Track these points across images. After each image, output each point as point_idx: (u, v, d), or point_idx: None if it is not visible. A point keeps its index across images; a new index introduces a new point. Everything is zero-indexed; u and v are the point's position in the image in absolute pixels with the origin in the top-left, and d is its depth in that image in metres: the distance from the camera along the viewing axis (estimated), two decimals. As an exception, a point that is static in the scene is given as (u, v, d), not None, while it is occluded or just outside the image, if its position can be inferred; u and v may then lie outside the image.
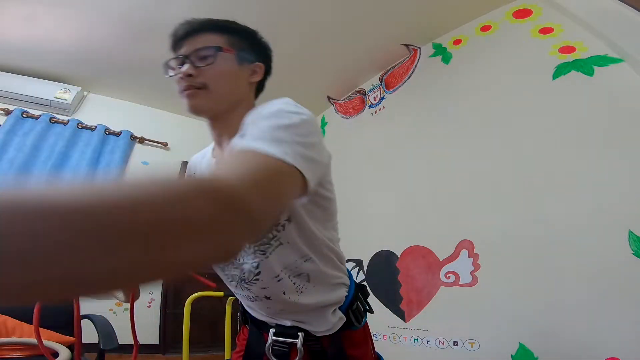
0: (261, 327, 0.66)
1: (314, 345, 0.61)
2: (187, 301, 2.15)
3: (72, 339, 1.32)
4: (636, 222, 1.23)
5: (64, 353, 1.05)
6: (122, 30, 2.26)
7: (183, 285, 2.89)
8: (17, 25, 2.20)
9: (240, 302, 0.71)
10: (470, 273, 1.67)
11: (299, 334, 0.59)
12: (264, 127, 0.42)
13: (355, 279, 0.71)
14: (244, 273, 0.59)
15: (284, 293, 0.58)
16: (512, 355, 1.43)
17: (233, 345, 2.71)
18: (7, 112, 2.54)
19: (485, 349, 1.53)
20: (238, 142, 0.40)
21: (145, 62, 2.60)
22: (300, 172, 0.39)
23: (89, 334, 1.34)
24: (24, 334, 1.21)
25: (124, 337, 2.57)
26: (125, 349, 2.50)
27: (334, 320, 0.61)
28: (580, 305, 1.29)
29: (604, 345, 1.19)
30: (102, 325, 1.26)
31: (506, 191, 1.65)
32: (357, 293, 0.67)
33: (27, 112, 2.60)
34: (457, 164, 1.88)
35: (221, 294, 2.35)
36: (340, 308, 0.63)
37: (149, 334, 2.64)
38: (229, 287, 0.66)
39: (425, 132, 2.14)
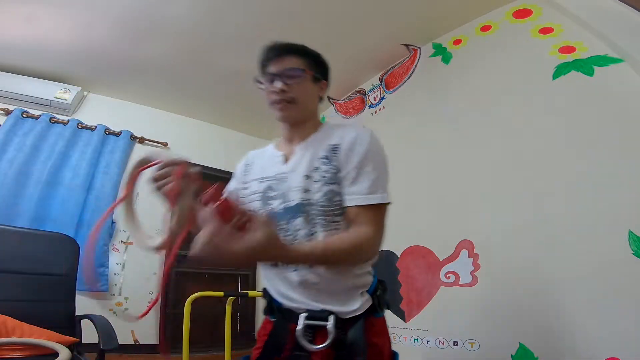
0: (288, 317, 0.70)
1: (338, 332, 0.65)
2: (187, 301, 2.14)
3: (72, 339, 1.32)
4: (636, 222, 1.23)
5: (64, 353, 1.05)
6: (122, 30, 2.26)
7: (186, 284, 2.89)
8: (17, 25, 2.20)
9: (269, 291, 0.76)
10: (470, 273, 1.67)
11: (330, 317, 0.65)
12: (366, 180, 0.69)
13: None
14: (295, 239, 0.70)
15: None
16: (512, 355, 1.43)
17: (233, 345, 2.70)
18: (7, 112, 2.54)
19: (485, 349, 1.53)
20: (355, 186, 0.69)
21: (145, 62, 2.60)
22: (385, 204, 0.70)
23: (89, 334, 1.34)
24: (24, 334, 1.20)
25: (124, 337, 2.58)
26: (126, 348, 2.50)
27: (362, 300, 0.69)
28: (580, 305, 1.29)
29: (604, 345, 1.20)
30: (102, 325, 1.26)
31: (506, 191, 1.65)
32: (379, 284, 0.77)
33: (27, 112, 2.60)
34: (457, 163, 1.88)
35: (221, 294, 2.35)
36: (367, 291, 0.72)
37: (149, 334, 2.64)
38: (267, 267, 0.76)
39: (425, 132, 2.14)
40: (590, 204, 1.36)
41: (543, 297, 1.40)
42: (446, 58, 2.19)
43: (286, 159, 0.78)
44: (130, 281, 2.66)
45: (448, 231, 1.82)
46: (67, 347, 1.15)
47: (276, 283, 0.74)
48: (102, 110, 2.97)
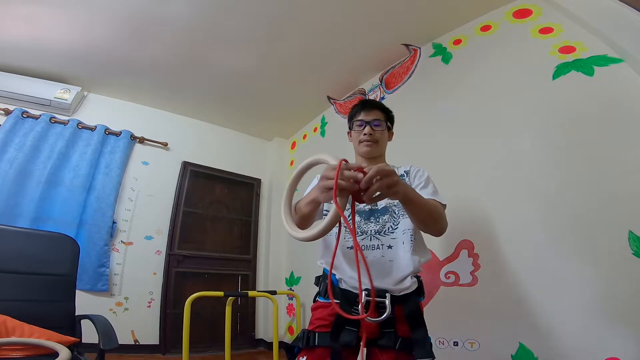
0: (349, 297, 0.86)
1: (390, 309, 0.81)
2: (187, 301, 2.15)
3: (72, 339, 1.32)
4: (636, 222, 1.23)
5: (64, 353, 1.05)
6: (122, 30, 2.26)
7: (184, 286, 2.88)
8: (17, 25, 2.21)
9: (333, 276, 0.91)
10: (470, 273, 1.67)
11: (387, 294, 0.81)
12: (430, 187, 0.97)
13: None
14: (384, 226, 0.93)
15: (403, 243, 0.90)
16: (512, 355, 1.43)
17: (233, 345, 2.69)
18: (7, 112, 2.54)
19: (485, 349, 1.53)
20: (425, 190, 0.96)
21: (145, 62, 2.61)
22: (444, 204, 0.95)
23: (89, 334, 1.34)
24: (24, 334, 1.20)
25: (124, 337, 2.57)
26: (126, 348, 2.50)
27: (411, 282, 0.87)
28: (580, 305, 1.29)
29: (604, 345, 1.19)
30: (102, 325, 1.26)
31: (506, 191, 1.65)
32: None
33: (27, 112, 2.60)
34: (456, 163, 1.88)
35: (221, 294, 2.35)
36: (414, 276, 0.90)
37: (149, 334, 2.64)
38: (344, 248, 0.93)
39: (425, 132, 2.14)
40: (590, 204, 1.36)
41: (543, 297, 1.40)
42: (446, 58, 2.19)
43: None
44: (130, 281, 2.66)
45: (448, 231, 1.80)
46: (67, 347, 1.14)
47: (346, 267, 0.90)
48: (102, 110, 2.98)
